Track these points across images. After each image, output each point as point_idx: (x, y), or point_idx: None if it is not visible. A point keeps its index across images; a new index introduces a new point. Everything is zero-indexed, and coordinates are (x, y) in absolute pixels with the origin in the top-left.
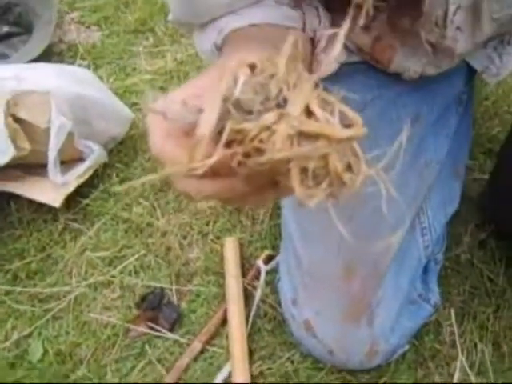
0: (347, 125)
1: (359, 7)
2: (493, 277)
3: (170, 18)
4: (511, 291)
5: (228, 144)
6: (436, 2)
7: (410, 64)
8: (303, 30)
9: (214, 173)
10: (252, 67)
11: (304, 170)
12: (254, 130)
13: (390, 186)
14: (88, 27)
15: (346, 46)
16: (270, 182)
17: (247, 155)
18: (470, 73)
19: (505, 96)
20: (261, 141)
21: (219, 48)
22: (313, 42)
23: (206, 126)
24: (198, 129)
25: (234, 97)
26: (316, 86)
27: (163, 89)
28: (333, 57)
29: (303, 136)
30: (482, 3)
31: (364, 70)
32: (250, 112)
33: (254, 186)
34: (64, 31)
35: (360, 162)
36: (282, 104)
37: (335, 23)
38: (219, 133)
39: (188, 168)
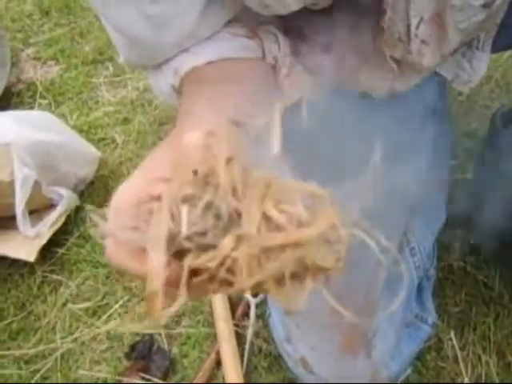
0: (313, 210)
1: None
2: (488, 282)
3: (120, 59)
4: (509, 296)
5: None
6: (396, 16)
7: (376, 83)
8: (263, 58)
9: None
10: (194, 172)
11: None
12: (214, 262)
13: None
14: (45, 62)
15: (308, 70)
16: None
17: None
18: (442, 81)
19: (478, 89)
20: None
21: (177, 90)
22: (275, 68)
23: (156, 280)
24: (148, 283)
25: (182, 235)
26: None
27: (128, 120)
28: (273, 154)
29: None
30: (446, 14)
31: (330, 91)
32: (204, 233)
33: None
34: (21, 69)
35: (339, 232)
36: (234, 218)
37: (295, 47)
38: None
39: (155, 318)
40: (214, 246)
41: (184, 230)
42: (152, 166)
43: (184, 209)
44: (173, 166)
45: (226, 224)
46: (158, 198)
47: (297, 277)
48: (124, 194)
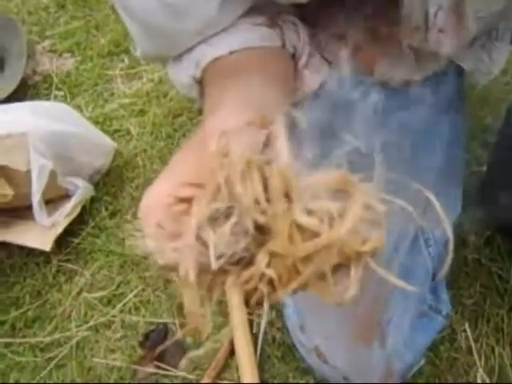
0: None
1: None
2: (503, 274)
3: (138, 53)
4: None
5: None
6: (414, 4)
7: (393, 72)
8: (283, 47)
9: None
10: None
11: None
12: (254, 281)
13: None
14: (60, 55)
15: (326, 60)
16: None
17: None
18: (459, 73)
19: (493, 82)
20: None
21: (198, 81)
22: (294, 57)
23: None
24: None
25: (212, 267)
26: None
27: (143, 112)
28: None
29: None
30: (465, 3)
31: (347, 81)
32: (234, 253)
33: None
34: (37, 62)
35: (374, 209)
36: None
37: (314, 36)
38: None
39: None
40: (248, 257)
41: (213, 264)
42: (178, 170)
43: (210, 239)
44: (198, 170)
45: (255, 235)
46: (186, 201)
47: (341, 267)
48: (152, 198)
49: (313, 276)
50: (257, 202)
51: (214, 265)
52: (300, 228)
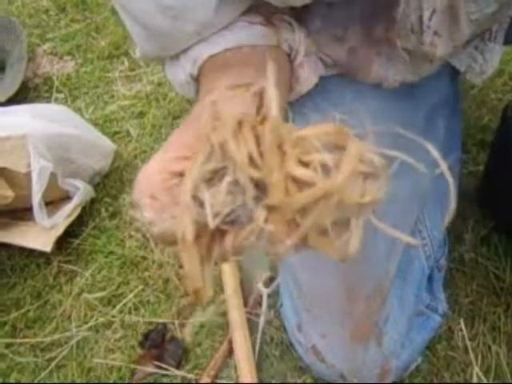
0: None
1: None
2: (499, 273)
3: (137, 54)
4: None
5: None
6: (409, 7)
7: (388, 73)
8: (279, 46)
9: None
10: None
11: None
12: (253, 237)
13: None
14: (61, 58)
15: (322, 60)
16: None
17: None
18: (454, 73)
19: (491, 83)
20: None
21: (195, 78)
22: (290, 57)
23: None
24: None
25: (210, 226)
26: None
27: (142, 113)
28: (274, 114)
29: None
30: (459, 5)
31: (343, 82)
32: (232, 211)
33: None
34: (37, 64)
35: (371, 161)
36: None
37: (310, 37)
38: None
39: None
40: (246, 215)
41: (210, 222)
42: (172, 147)
43: (206, 198)
44: (192, 144)
45: (252, 192)
46: (181, 175)
47: (342, 222)
48: (146, 174)
49: (313, 230)
50: (251, 158)
51: (212, 223)
52: (296, 180)
